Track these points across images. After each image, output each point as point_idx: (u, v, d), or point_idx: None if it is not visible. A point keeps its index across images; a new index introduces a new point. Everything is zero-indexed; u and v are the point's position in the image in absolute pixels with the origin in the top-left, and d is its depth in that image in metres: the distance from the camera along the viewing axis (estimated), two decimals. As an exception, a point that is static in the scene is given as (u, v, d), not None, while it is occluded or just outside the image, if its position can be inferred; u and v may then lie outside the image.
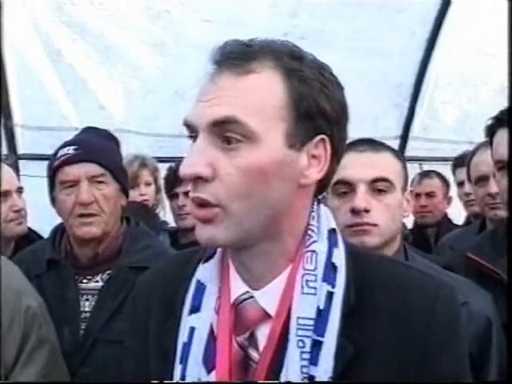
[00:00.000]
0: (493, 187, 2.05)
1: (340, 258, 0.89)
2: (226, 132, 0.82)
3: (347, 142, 1.56)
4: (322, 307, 0.84)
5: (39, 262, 1.75)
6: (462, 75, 3.60)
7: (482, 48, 3.40)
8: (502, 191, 1.56)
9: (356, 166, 1.45)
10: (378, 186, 1.44)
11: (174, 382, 0.89)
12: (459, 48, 3.45)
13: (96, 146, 1.76)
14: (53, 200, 1.76)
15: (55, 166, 1.72)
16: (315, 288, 0.86)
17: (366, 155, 1.46)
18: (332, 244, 0.90)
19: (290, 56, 0.86)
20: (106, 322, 1.63)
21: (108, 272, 1.71)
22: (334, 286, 0.86)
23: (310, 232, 0.89)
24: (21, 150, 3.43)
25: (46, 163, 3.39)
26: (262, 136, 0.82)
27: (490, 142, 1.61)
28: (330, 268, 0.87)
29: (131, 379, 1.00)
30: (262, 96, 0.83)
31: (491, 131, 1.59)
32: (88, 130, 1.90)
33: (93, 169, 1.69)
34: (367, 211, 1.42)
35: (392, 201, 1.46)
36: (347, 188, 1.45)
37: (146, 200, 2.85)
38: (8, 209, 2.12)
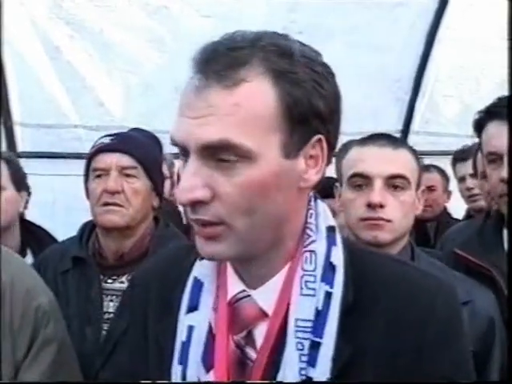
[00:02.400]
0: None
1: (338, 256, 0.87)
2: (220, 154, 0.78)
3: (364, 136, 1.58)
4: (320, 308, 0.84)
5: (66, 259, 1.73)
6: (462, 68, 3.57)
7: (482, 40, 3.38)
8: (494, 184, 1.54)
9: (375, 161, 1.45)
10: (395, 183, 1.45)
11: (167, 382, 0.88)
12: (460, 41, 3.43)
13: (133, 139, 1.76)
14: (87, 191, 1.75)
15: (90, 154, 1.72)
16: (314, 289, 0.84)
17: (386, 151, 1.47)
18: (330, 242, 0.88)
19: (278, 53, 0.80)
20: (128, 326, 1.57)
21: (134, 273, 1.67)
22: (332, 286, 0.85)
23: (308, 231, 0.88)
24: (20, 148, 3.42)
25: (45, 161, 3.42)
26: (259, 152, 0.78)
27: (478, 136, 1.60)
28: (329, 268, 0.86)
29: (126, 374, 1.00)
30: (254, 109, 0.78)
31: (480, 124, 1.58)
32: (134, 129, 1.91)
33: (124, 159, 1.68)
34: (382, 206, 1.43)
35: (407, 198, 1.47)
36: (364, 181, 1.46)
37: None
38: None
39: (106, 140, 1.72)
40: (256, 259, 0.86)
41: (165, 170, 2.90)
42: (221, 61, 0.79)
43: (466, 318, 1.34)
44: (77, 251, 1.73)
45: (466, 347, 0.90)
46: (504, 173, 1.47)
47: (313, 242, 0.87)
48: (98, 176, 1.69)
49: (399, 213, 1.45)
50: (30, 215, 2.32)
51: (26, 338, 1.37)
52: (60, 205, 3.20)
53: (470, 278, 1.47)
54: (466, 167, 2.87)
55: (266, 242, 0.85)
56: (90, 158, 1.72)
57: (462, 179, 3.00)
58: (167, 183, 2.92)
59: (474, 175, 2.67)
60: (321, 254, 0.86)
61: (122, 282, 1.68)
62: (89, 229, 1.79)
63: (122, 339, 1.55)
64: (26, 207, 2.20)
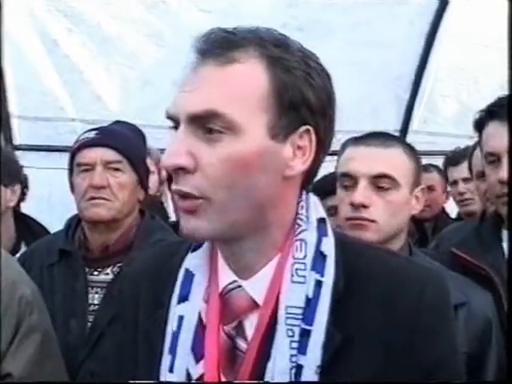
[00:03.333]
0: None
1: (329, 246, 0.88)
2: (206, 123, 0.81)
3: (361, 134, 1.57)
4: (310, 296, 0.84)
5: (52, 252, 1.75)
6: (461, 68, 3.57)
7: (482, 40, 3.37)
8: (492, 184, 1.54)
9: (361, 160, 1.44)
10: (380, 183, 1.43)
11: (167, 381, 0.88)
12: (459, 40, 3.42)
13: (117, 133, 1.76)
14: (71, 185, 1.75)
15: (74, 149, 1.72)
16: (304, 277, 0.85)
17: (374, 150, 1.45)
18: (321, 233, 0.89)
19: (275, 44, 0.84)
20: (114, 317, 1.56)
21: (119, 265, 1.69)
22: (322, 275, 0.86)
23: (298, 221, 0.89)
24: (17, 141, 3.41)
25: (42, 154, 3.41)
26: (244, 127, 0.81)
27: (479, 135, 1.60)
28: (319, 257, 0.87)
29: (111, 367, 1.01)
30: (244, 86, 0.82)
31: (481, 124, 1.57)
32: (117, 122, 1.91)
33: (109, 154, 1.69)
34: (365, 207, 1.41)
35: (394, 198, 1.44)
36: (350, 181, 1.45)
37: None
38: None
39: (90, 134, 1.72)
40: (244, 246, 0.87)
41: (152, 165, 2.89)
42: (219, 44, 0.84)
43: (462, 319, 1.34)
44: (63, 244, 1.75)
45: (454, 336, 0.91)
46: (502, 174, 1.47)
47: (303, 231, 0.89)
48: (83, 171, 1.69)
49: (385, 213, 1.42)
50: (26, 208, 2.31)
51: (10, 329, 1.38)
52: (56, 198, 3.20)
53: (467, 278, 1.46)
54: (459, 171, 2.87)
55: (247, 222, 0.85)
56: (73, 152, 1.72)
57: (454, 183, 3.00)
58: (154, 179, 2.91)
59: (466, 180, 2.67)
60: (311, 243, 0.88)
61: (106, 274, 1.70)
62: (75, 223, 1.81)
63: (107, 330, 1.56)
64: (23, 199, 2.18)
